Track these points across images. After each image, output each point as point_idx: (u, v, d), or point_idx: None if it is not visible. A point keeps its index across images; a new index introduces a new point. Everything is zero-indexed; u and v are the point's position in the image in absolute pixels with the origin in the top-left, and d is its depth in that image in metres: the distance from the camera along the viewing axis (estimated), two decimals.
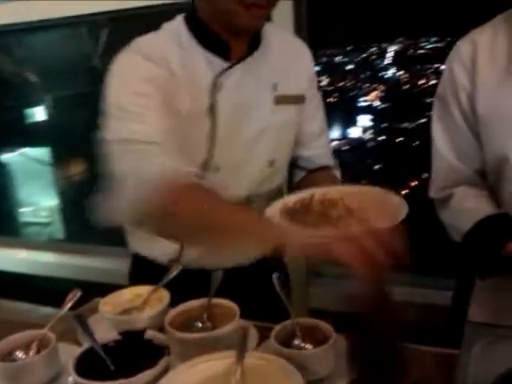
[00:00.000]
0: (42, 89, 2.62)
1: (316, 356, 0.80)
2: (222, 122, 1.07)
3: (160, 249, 1.17)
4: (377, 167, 4.14)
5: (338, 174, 1.25)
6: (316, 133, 1.23)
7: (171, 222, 0.88)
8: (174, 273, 1.04)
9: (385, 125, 4.23)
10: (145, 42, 1.07)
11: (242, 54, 1.09)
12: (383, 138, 4.19)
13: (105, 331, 0.94)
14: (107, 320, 0.96)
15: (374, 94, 4.27)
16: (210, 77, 1.06)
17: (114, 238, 1.28)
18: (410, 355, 0.87)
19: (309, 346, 0.83)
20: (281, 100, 1.12)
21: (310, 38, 1.83)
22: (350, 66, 4.19)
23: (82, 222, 2.52)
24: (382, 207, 0.84)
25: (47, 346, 0.89)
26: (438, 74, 4.17)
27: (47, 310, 1.47)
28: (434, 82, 4.18)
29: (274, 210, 0.91)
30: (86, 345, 0.84)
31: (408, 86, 4.21)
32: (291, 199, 0.94)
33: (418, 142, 4.18)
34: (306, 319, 0.88)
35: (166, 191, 0.84)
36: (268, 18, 1.16)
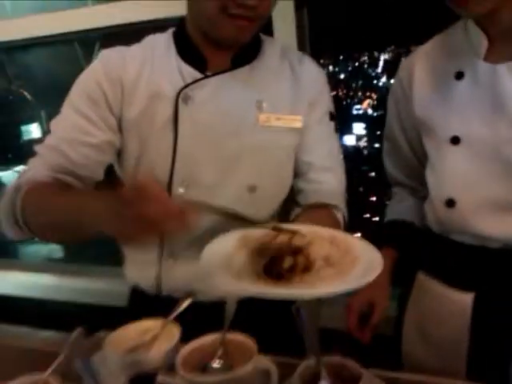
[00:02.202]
0: (37, 106, 2.53)
1: None
2: (185, 136, 0.97)
3: (138, 272, 1.11)
4: (372, 174, 4.08)
5: (340, 215, 1.06)
6: (315, 164, 1.07)
7: (32, 217, 0.90)
8: (184, 305, 0.94)
9: (379, 132, 4.18)
10: (106, 56, 1.03)
11: (222, 67, 1.00)
12: (378, 145, 4.14)
13: (112, 373, 0.85)
14: (114, 361, 0.86)
15: (367, 102, 4.22)
16: (178, 88, 0.98)
17: (113, 255, 1.20)
18: None
19: None
20: (267, 119, 1.00)
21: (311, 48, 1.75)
22: (342, 75, 4.14)
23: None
24: (353, 262, 0.71)
25: None
26: None
27: (47, 333, 1.38)
28: None
29: (231, 239, 0.79)
30: None
31: None
32: (258, 233, 0.81)
33: None
34: (330, 357, 0.78)
35: (24, 192, 0.91)
36: (268, 31, 1.08)
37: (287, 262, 0.71)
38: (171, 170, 0.99)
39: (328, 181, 1.08)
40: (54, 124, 1.02)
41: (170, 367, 0.85)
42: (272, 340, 0.89)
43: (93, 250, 2.25)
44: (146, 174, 1.00)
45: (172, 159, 0.98)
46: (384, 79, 4.29)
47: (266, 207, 1.06)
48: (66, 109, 1.01)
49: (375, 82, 4.36)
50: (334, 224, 1.01)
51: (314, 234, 0.79)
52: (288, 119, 1.02)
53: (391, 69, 4.09)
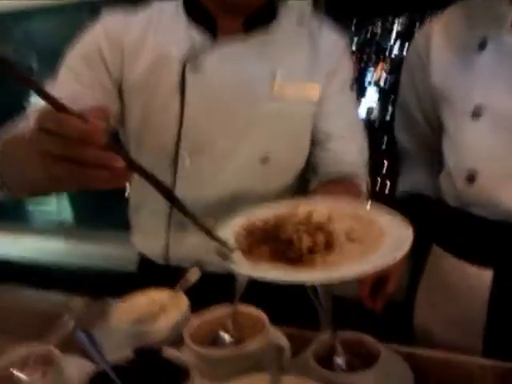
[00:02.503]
0: (43, 74, 2.47)
1: (365, 380, 0.66)
2: (192, 105, 0.91)
3: (146, 241, 1.07)
4: (385, 142, 4.00)
5: (363, 186, 0.99)
6: (334, 134, 1.00)
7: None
8: (194, 277, 0.89)
9: (393, 96, 4.07)
10: (108, 18, 0.97)
11: (234, 33, 0.93)
12: (391, 113, 4.04)
13: (117, 344, 0.81)
14: (119, 331, 0.82)
15: (380, 70, 4.10)
16: (186, 50, 0.92)
17: (125, 220, 1.15)
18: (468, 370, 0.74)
19: (353, 365, 0.69)
20: (281, 89, 0.93)
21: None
22: (354, 42, 4.01)
23: (91, 207, 2.39)
24: (379, 237, 0.64)
25: (51, 363, 0.75)
26: None
27: (56, 296, 1.38)
28: None
29: (234, 224, 0.71)
30: (96, 365, 0.70)
31: None
32: (266, 212, 0.74)
33: None
34: (346, 332, 0.74)
35: None
36: None
37: (306, 242, 0.64)
38: (177, 138, 0.93)
39: (348, 150, 1.00)
40: (49, 86, 0.94)
41: (177, 339, 0.81)
42: (285, 312, 0.85)
43: (104, 214, 2.22)
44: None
45: (178, 128, 0.92)
46: (398, 46, 4.16)
47: (279, 180, 0.99)
48: (62, 71, 0.95)
49: (389, 49, 4.22)
50: (357, 196, 0.95)
51: (333, 209, 0.73)
52: (304, 89, 0.95)
53: (406, 36, 3.95)
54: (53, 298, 1.21)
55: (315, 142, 1.02)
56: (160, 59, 0.92)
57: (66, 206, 2.37)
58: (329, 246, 0.65)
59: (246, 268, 0.61)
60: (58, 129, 0.50)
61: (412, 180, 1.17)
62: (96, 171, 0.51)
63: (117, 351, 0.74)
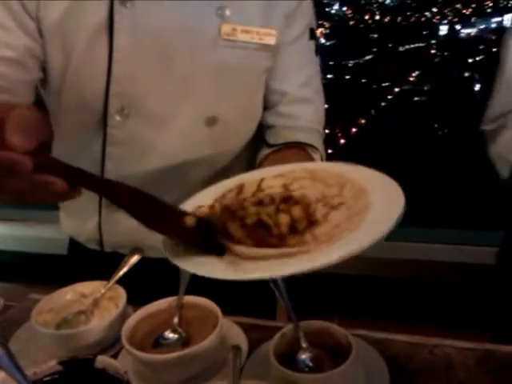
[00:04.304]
0: None
1: (334, 380, 0.56)
2: (123, 49, 0.74)
3: (75, 223, 0.90)
4: (325, 106, 3.92)
5: (317, 157, 0.84)
6: (289, 94, 0.85)
7: None
8: (130, 263, 0.75)
9: (331, 63, 3.98)
10: None
11: None
12: (330, 76, 3.95)
13: (43, 350, 0.67)
14: (44, 335, 0.68)
15: (319, 31, 3.98)
16: None
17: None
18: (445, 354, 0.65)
19: (320, 362, 0.59)
20: (231, 33, 0.77)
21: None
22: None
23: None
24: (360, 195, 0.51)
25: None
26: (382, 8, 3.92)
27: None
28: (378, 17, 3.93)
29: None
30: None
31: (353, 21, 3.95)
32: (225, 185, 0.60)
33: (365, 79, 3.96)
34: (311, 322, 0.63)
35: None
36: None
37: (283, 221, 0.50)
38: (106, 93, 0.75)
39: (303, 115, 0.86)
40: None
41: (115, 339, 0.68)
42: (238, 299, 0.73)
43: None
44: (70, 96, 0.76)
45: (107, 79, 0.74)
46: (337, 6, 4.04)
47: (229, 145, 0.84)
48: None
49: (327, 9, 4.08)
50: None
51: (287, 175, 0.60)
52: (258, 32, 0.79)
53: None
54: None
55: (267, 105, 0.87)
56: None
57: None
58: (310, 218, 0.51)
59: (226, 273, 0.46)
60: None
61: None
62: (33, 195, 0.47)
63: (43, 358, 0.61)
